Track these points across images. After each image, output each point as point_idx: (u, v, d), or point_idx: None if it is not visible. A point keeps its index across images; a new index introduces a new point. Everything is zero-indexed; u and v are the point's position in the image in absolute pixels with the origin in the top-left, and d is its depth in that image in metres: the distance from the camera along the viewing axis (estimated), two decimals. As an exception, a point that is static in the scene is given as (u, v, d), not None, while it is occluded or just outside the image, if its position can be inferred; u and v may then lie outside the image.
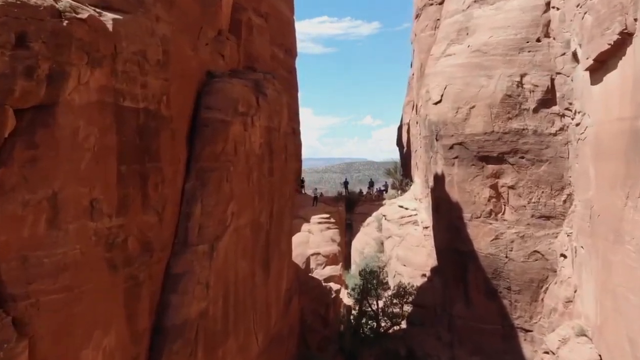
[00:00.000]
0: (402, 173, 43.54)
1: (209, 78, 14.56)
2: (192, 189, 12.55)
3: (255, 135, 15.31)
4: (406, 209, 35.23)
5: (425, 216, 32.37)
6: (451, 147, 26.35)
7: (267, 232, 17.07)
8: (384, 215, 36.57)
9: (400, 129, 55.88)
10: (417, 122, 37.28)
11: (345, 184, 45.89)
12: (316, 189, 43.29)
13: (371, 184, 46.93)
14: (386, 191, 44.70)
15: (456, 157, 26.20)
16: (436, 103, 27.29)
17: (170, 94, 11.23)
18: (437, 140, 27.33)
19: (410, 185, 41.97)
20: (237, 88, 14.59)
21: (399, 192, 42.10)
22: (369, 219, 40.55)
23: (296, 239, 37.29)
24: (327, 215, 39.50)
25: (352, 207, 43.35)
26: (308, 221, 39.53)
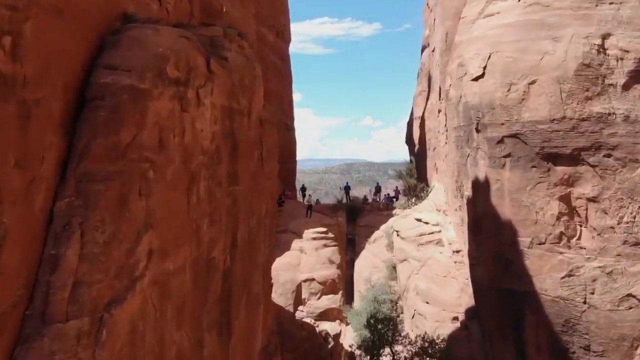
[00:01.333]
0: (416, 176, 35.22)
1: (123, 23, 8.96)
2: (64, 213, 6.85)
3: (203, 120, 10.02)
4: (426, 223, 26.97)
5: (454, 235, 24.05)
6: (500, 141, 18.06)
7: (225, 273, 11.58)
8: (397, 231, 28.29)
9: (410, 124, 47.50)
10: (439, 111, 28.93)
11: (347, 189, 37.52)
12: (310, 195, 34.97)
13: (378, 189, 38.30)
14: (397, 198, 36.34)
15: (508, 156, 17.92)
16: (476, 79, 18.98)
17: (24, 35, 6.25)
18: (477, 131, 19.00)
19: (427, 192, 33.71)
20: (168, 39, 8.81)
21: (413, 199, 33.79)
22: (376, 234, 32.29)
23: (283, 260, 29.03)
24: (324, 229, 31.28)
25: (354, 218, 35.09)
26: (300, 236, 31.36)
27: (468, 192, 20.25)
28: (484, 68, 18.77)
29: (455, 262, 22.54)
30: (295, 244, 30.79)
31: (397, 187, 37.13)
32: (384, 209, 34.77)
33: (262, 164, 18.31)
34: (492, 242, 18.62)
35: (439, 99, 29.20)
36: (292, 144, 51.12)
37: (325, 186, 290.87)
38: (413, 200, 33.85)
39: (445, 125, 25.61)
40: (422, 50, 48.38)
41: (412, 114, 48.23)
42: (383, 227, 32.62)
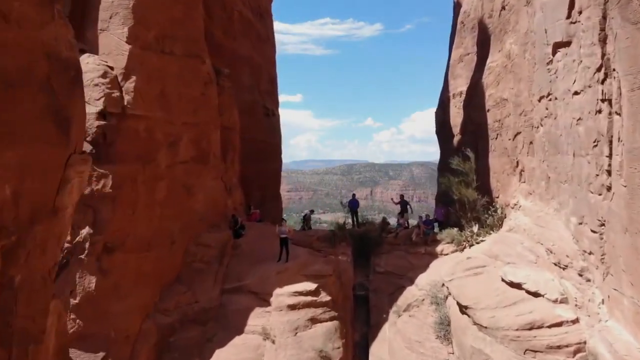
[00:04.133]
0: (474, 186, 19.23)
1: None
2: None
3: None
4: (535, 294, 11.40)
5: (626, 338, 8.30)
6: None
7: None
8: (463, 306, 12.63)
9: (443, 107, 31.65)
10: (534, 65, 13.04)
11: (352, 205, 21.55)
12: (284, 220, 18.92)
13: (404, 208, 21.66)
14: (440, 224, 20.30)
15: None
16: None
17: None
18: None
19: (499, 214, 18.04)
20: None
21: (475, 227, 18.03)
22: (412, 294, 16.69)
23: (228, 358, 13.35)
24: (312, 286, 15.70)
25: (367, 256, 19.38)
26: (266, 301, 15.79)
27: None
28: None
29: None
30: (256, 319, 15.22)
31: (446, 208, 21.00)
32: (419, 242, 19.09)
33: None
34: None
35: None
36: (275, 136, 35.41)
37: (325, 187, 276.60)
38: (474, 228, 18.14)
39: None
40: (455, 5, 32.79)
41: (442, 94, 32.51)
42: (423, 279, 16.93)
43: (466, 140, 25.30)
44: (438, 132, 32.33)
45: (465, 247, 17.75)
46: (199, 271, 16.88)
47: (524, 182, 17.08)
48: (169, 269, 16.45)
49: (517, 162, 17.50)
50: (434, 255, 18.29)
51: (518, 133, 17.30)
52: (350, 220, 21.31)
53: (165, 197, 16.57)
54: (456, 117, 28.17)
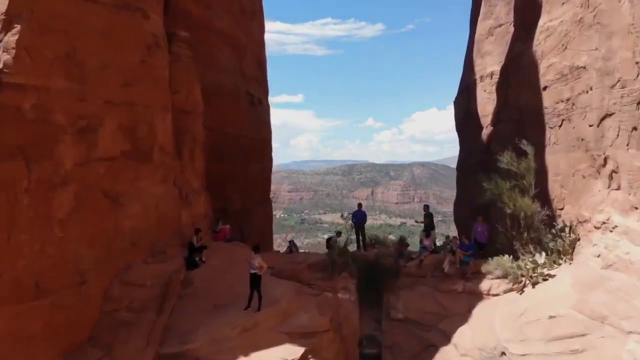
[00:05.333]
0: (533, 193, 13.21)
1: None
2: None
3: None
4: None
5: None
6: None
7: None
8: None
9: (467, 94, 25.67)
10: None
11: (357, 218, 15.06)
12: (257, 248, 12.41)
13: (429, 224, 15.10)
14: (481, 247, 14.06)
15: None
16: None
17: None
18: None
19: (571, 234, 12.03)
20: None
21: (541, 254, 11.97)
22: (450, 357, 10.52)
23: None
24: (297, 356, 9.37)
25: (377, 293, 13.29)
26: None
27: None
28: None
29: None
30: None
31: (487, 226, 14.32)
32: (453, 274, 12.90)
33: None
34: None
35: None
36: (262, 129, 29.34)
37: (326, 187, 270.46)
38: (539, 257, 12.05)
39: None
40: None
41: (464, 79, 26.48)
42: (466, 336, 10.94)
43: (502, 132, 19.29)
44: (460, 126, 26.29)
45: (525, 285, 11.73)
46: (124, 325, 10.88)
47: (618, 188, 11.07)
48: (75, 324, 10.48)
49: (605, 159, 11.47)
50: (478, 296, 12.26)
51: (608, 115, 11.28)
52: (353, 234, 15.18)
53: (72, 212, 10.61)
54: (486, 104, 22.14)
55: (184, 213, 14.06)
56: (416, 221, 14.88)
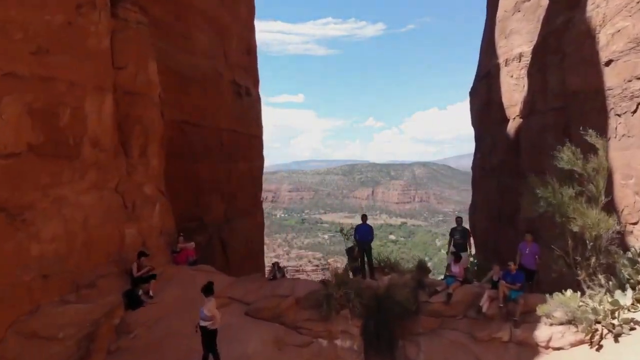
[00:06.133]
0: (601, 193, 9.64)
1: None
2: None
3: None
4: None
5: None
6: None
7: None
8: None
9: (486, 81, 22.02)
10: None
11: (362, 236, 11.24)
12: (209, 287, 7.91)
13: (461, 244, 10.90)
14: (529, 276, 10.39)
15: None
16: None
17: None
18: None
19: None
20: None
21: (627, 298, 8.35)
22: None
23: None
24: None
25: (389, 339, 9.60)
26: None
27: None
28: None
29: None
30: None
31: (529, 245, 10.54)
32: (495, 315, 9.36)
33: None
34: None
35: None
36: (250, 124, 25.62)
37: (327, 187, 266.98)
38: (626, 296, 8.47)
39: None
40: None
41: (483, 65, 22.84)
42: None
43: (537, 125, 15.65)
44: (477, 119, 22.63)
45: (602, 336, 8.12)
46: (18, 402, 7.27)
47: None
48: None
49: None
50: (532, 348, 8.62)
51: None
52: (359, 264, 11.44)
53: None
54: (513, 92, 18.49)
55: (129, 229, 10.41)
56: (450, 249, 10.76)
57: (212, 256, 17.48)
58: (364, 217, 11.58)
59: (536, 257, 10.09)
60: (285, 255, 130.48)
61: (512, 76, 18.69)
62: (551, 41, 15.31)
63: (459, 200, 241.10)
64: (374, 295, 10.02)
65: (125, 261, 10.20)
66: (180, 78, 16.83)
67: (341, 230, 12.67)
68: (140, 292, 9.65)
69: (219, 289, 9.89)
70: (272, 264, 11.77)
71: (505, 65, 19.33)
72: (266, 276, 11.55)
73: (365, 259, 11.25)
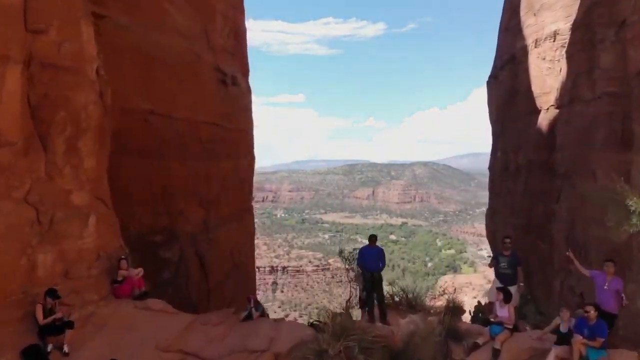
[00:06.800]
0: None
1: None
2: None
3: None
4: None
5: None
6: None
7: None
8: None
9: (509, 67, 18.92)
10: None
11: (367, 263, 8.00)
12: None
13: (511, 275, 7.84)
14: (610, 322, 7.48)
15: None
16: None
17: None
18: None
19: None
20: None
21: None
22: None
23: None
24: None
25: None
26: None
27: None
28: None
29: None
30: None
31: (609, 280, 7.15)
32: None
33: None
34: None
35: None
36: (241, 118, 22.56)
37: (327, 187, 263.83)
38: None
39: None
40: None
41: (504, 49, 19.78)
42: None
43: (580, 117, 12.60)
44: (498, 111, 19.53)
45: None
46: None
47: None
48: None
49: None
50: None
51: None
52: (367, 301, 8.07)
53: None
54: (545, 77, 15.42)
55: (43, 254, 7.37)
56: (496, 263, 7.59)
57: (185, 274, 14.42)
58: (373, 239, 8.38)
59: (622, 296, 6.97)
60: (285, 255, 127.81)
61: (544, 59, 15.64)
62: (601, 11, 12.26)
63: (459, 200, 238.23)
64: (387, 351, 6.93)
65: (35, 301, 7.17)
66: (146, 58, 13.75)
67: (340, 253, 9.58)
68: (50, 347, 6.62)
69: (170, 339, 6.87)
70: (247, 297, 8.65)
71: (535, 47, 16.27)
72: (239, 314, 8.46)
73: (374, 294, 8.14)
